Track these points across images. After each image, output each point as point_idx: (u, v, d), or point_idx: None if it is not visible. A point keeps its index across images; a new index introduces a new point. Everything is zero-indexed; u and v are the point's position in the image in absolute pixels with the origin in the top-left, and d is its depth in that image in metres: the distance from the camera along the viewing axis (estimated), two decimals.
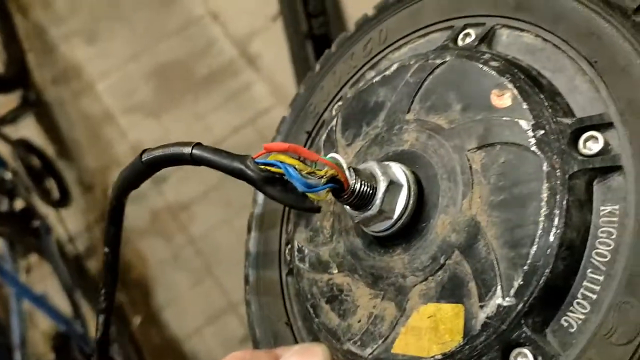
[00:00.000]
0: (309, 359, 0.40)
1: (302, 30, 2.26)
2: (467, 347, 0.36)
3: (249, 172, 0.38)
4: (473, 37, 0.45)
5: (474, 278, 0.37)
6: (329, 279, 0.45)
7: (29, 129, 2.71)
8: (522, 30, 0.42)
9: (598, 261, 0.35)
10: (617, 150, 0.36)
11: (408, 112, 0.44)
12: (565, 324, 0.35)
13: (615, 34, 0.37)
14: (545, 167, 0.36)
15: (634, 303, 0.32)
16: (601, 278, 0.34)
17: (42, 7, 3.08)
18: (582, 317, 0.34)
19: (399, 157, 0.43)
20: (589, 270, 0.35)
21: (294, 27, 2.42)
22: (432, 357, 0.37)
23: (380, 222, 0.41)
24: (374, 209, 0.40)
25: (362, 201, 0.40)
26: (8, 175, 2.09)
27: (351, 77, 0.53)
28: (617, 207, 0.35)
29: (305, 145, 0.53)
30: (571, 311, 0.35)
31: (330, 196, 0.39)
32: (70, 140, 2.71)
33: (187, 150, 0.39)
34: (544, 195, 0.35)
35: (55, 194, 2.37)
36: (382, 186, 0.40)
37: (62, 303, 2.08)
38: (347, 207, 0.41)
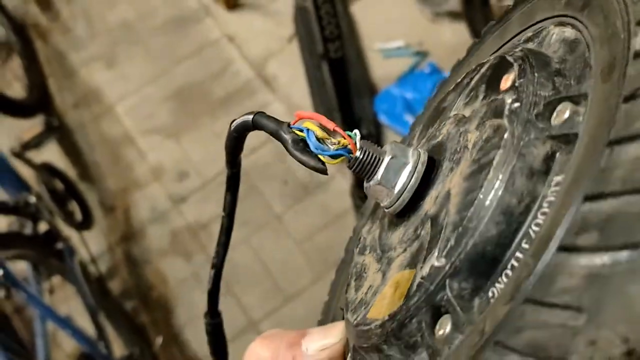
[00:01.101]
0: (328, 333, 0.43)
1: (317, 51, 2.29)
2: (404, 307, 0.36)
3: (281, 133, 0.43)
4: (526, 36, 0.45)
5: (427, 244, 0.37)
6: (363, 259, 0.47)
7: (51, 153, 2.76)
8: (567, 24, 0.41)
9: (533, 231, 0.32)
10: (579, 119, 0.34)
11: (453, 109, 0.45)
12: (491, 295, 0.33)
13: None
14: (506, 135, 0.35)
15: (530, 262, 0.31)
16: (530, 248, 0.32)
17: (61, 33, 3.15)
18: (502, 286, 0.33)
19: (433, 149, 0.44)
20: (524, 240, 0.33)
21: (309, 48, 2.46)
22: (382, 318, 0.38)
23: (386, 195, 0.42)
24: (375, 180, 0.42)
25: (365, 172, 0.42)
26: (32, 199, 2.12)
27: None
28: (561, 177, 0.33)
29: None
30: (498, 282, 0.33)
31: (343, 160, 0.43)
32: (91, 163, 2.76)
33: (250, 117, 0.45)
34: (495, 162, 0.35)
35: (78, 216, 2.41)
36: (385, 160, 0.42)
37: (85, 324, 2.11)
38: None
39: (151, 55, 2.92)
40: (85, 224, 2.41)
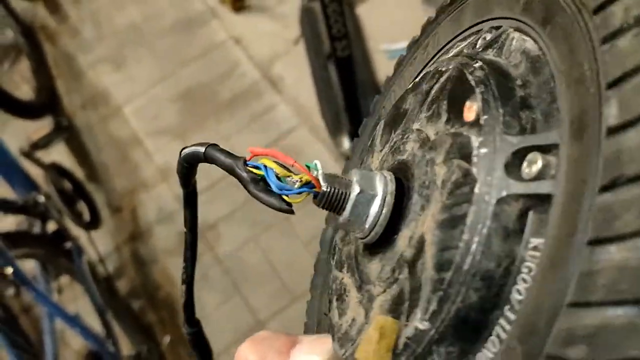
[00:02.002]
0: (316, 348, 0.42)
1: (323, 52, 2.30)
2: None
3: (237, 171, 0.41)
4: (488, 38, 0.42)
5: (408, 296, 0.36)
6: (342, 277, 0.46)
7: (59, 153, 2.79)
8: (527, 34, 0.38)
9: (515, 299, 0.32)
10: (551, 173, 0.32)
11: (416, 121, 0.43)
12: None
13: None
14: (477, 188, 0.33)
15: (515, 345, 0.30)
16: (513, 316, 0.31)
17: (70, 35, 3.18)
18: (490, 356, 0.32)
19: (398, 168, 0.43)
20: (507, 307, 0.32)
21: (315, 49, 2.47)
22: None
23: (357, 228, 0.41)
24: (344, 216, 0.41)
25: (334, 207, 0.41)
26: (41, 199, 2.14)
27: (412, 81, 0.52)
28: (542, 240, 0.31)
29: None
30: (485, 348, 0.32)
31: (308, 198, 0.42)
32: (99, 164, 2.78)
33: (201, 150, 0.42)
34: (469, 220, 0.33)
35: (86, 216, 2.43)
36: (352, 195, 0.40)
37: (93, 323, 2.12)
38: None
39: (158, 57, 2.94)
40: (93, 223, 2.43)
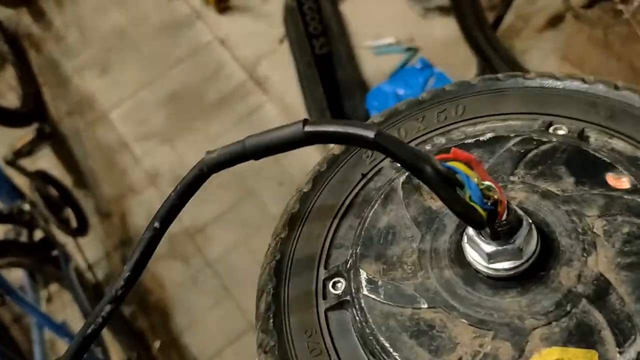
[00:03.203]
0: None
1: (308, 50, 2.29)
2: None
3: (430, 171, 0.37)
4: (566, 131, 0.49)
5: (608, 326, 0.38)
6: (413, 313, 0.43)
7: (46, 161, 2.76)
8: (611, 136, 0.47)
9: None
10: None
11: (512, 174, 0.46)
12: None
13: None
14: None
15: None
16: None
17: (54, 41, 3.16)
18: None
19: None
20: None
21: (299, 48, 2.46)
22: None
23: (509, 259, 0.41)
24: (515, 244, 0.40)
25: (506, 233, 0.40)
26: (26, 207, 2.12)
27: (418, 137, 0.54)
28: None
29: (358, 186, 0.53)
30: None
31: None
32: (87, 170, 2.76)
33: (369, 133, 0.37)
34: None
35: (73, 223, 2.41)
36: (525, 225, 0.41)
37: None
38: (480, 238, 0.42)
39: (144, 61, 2.92)
40: (80, 230, 2.41)
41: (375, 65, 2.51)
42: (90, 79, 2.95)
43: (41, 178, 2.33)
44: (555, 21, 2.33)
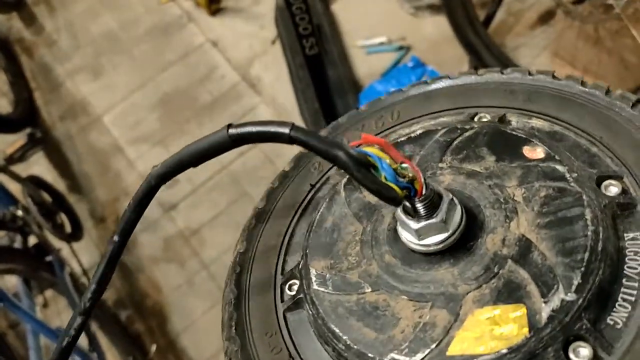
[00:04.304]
0: None
1: (299, 50, 2.28)
2: (533, 339, 0.40)
3: (340, 154, 0.39)
4: (489, 117, 0.54)
5: (533, 281, 0.42)
6: (359, 298, 0.46)
7: (40, 166, 2.76)
8: (530, 117, 0.53)
9: (631, 272, 0.42)
10: (632, 194, 0.46)
11: (441, 161, 0.51)
12: (612, 322, 0.41)
13: (616, 118, 0.49)
14: (584, 197, 0.44)
15: None
16: (636, 284, 0.42)
17: (46, 46, 3.15)
18: (625, 314, 0.41)
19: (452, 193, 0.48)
20: (624, 279, 0.42)
21: (291, 48, 2.45)
22: (496, 352, 0.40)
23: (437, 233, 0.44)
24: (438, 218, 0.43)
25: (429, 209, 0.43)
26: (19, 213, 2.11)
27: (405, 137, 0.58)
28: (637, 234, 0.44)
29: (308, 195, 0.57)
30: (615, 311, 0.41)
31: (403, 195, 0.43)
32: (80, 174, 2.75)
33: (284, 130, 0.40)
34: (588, 217, 0.43)
35: (68, 228, 2.40)
36: (445, 199, 0.44)
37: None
38: (405, 216, 0.44)
39: (136, 64, 2.91)
40: (75, 235, 2.40)
41: (367, 65, 2.50)
42: (83, 83, 2.94)
43: (34, 183, 2.32)
44: (546, 17, 2.33)
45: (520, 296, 0.42)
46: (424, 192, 0.42)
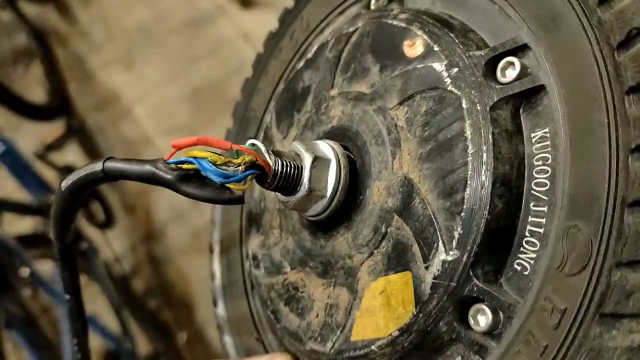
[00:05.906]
0: None
1: None
2: (420, 315, 0.33)
3: (160, 173, 0.35)
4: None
5: (415, 239, 0.34)
6: (284, 279, 0.43)
7: (73, 155, 2.81)
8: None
9: (539, 191, 0.32)
10: (535, 71, 0.33)
11: (332, 87, 0.44)
12: (519, 268, 0.32)
13: None
14: (464, 103, 0.33)
15: (580, 225, 0.28)
16: (545, 209, 0.31)
17: (80, 37, 3.20)
18: (533, 255, 0.31)
19: (330, 135, 0.42)
20: (532, 203, 0.32)
21: None
22: (389, 335, 0.34)
23: (315, 203, 0.38)
24: (303, 189, 0.38)
25: (289, 183, 0.37)
26: None
27: (283, 73, 0.53)
28: (546, 129, 0.31)
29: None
30: (522, 252, 0.32)
31: (253, 183, 0.38)
32: None
33: (98, 167, 0.37)
34: (468, 133, 0.33)
35: (101, 216, 2.45)
36: (307, 163, 0.38)
37: (110, 322, 2.14)
38: (279, 194, 0.39)
39: (168, 56, 2.95)
40: (107, 223, 2.45)
41: None
42: (116, 74, 2.99)
43: (69, 172, 2.37)
44: None
45: (407, 261, 0.35)
46: (272, 168, 0.37)
